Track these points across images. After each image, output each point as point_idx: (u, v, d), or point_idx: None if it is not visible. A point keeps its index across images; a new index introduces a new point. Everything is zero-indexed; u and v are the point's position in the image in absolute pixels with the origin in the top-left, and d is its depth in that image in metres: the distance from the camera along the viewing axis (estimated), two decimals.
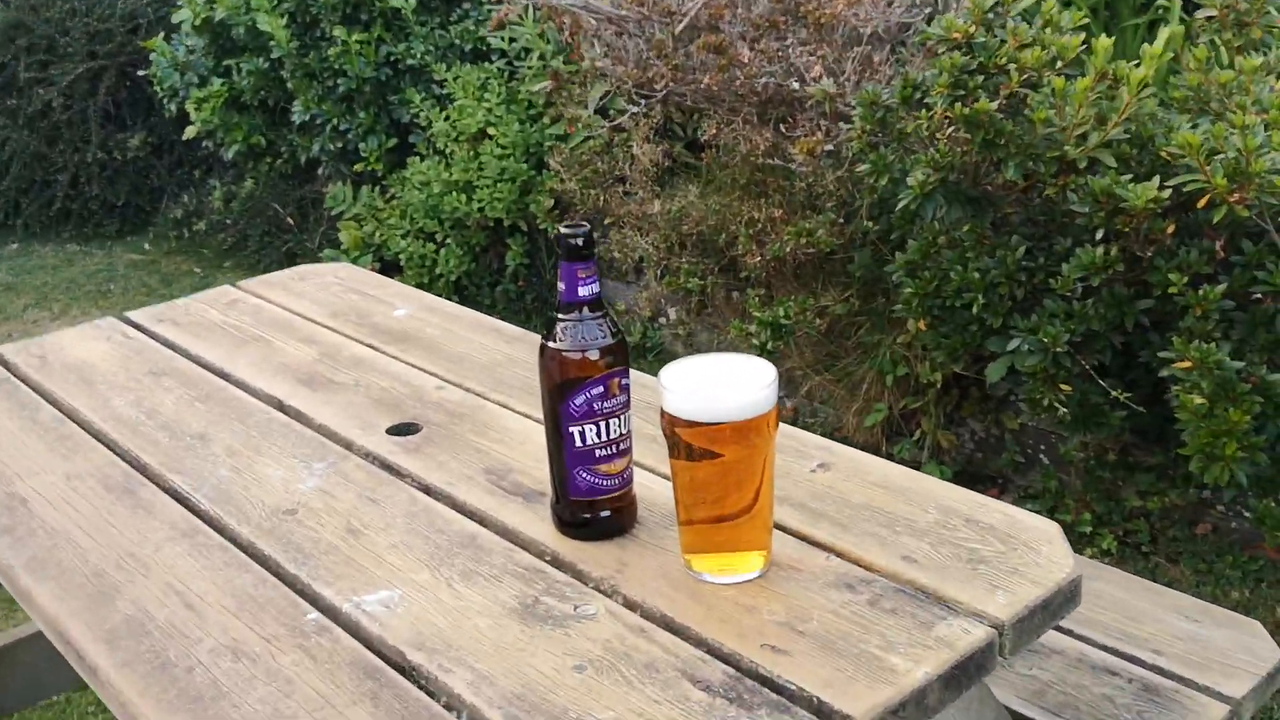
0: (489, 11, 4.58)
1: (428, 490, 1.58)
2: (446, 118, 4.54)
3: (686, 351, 4.15)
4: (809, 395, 3.71)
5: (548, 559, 1.41)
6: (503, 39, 4.52)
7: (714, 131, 3.43)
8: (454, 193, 4.50)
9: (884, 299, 3.31)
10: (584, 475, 1.40)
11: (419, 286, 4.26)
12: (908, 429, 3.42)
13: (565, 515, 1.44)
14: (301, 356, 1.99)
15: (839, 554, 1.37)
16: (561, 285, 1.35)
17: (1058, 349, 2.61)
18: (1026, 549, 1.35)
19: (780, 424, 1.46)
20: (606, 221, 4.10)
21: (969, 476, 3.32)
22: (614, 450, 1.40)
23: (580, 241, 1.33)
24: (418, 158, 4.68)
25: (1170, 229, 2.49)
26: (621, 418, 1.39)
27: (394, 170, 4.87)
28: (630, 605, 1.32)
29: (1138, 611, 1.84)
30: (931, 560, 1.34)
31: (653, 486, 1.51)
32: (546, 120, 4.44)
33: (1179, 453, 2.51)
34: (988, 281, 2.71)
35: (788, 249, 3.31)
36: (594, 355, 1.35)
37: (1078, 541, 2.96)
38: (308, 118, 4.95)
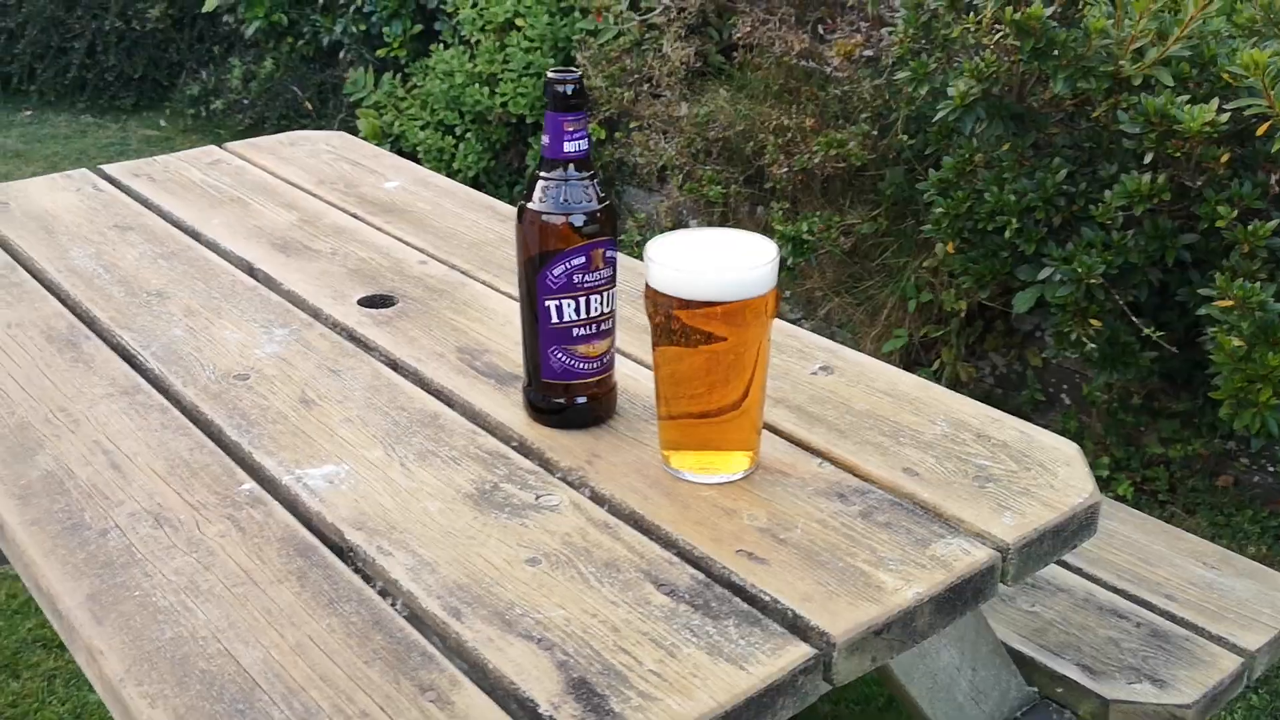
0: None
1: (394, 365, 1.45)
2: (474, 4, 4.36)
3: None
4: (827, 318, 3.56)
5: (514, 445, 1.28)
6: None
7: (748, 30, 3.25)
8: (477, 85, 4.33)
9: (913, 221, 3.15)
10: (559, 356, 1.26)
11: None
12: (926, 359, 3.28)
13: (537, 400, 1.31)
14: (279, 221, 1.86)
15: (834, 461, 1.24)
16: (546, 138, 1.21)
17: (1091, 281, 2.46)
18: (1041, 469, 1.21)
19: (783, 321, 1.33)
20: (631, 124, 3.94)
21: None
22: (594, 330, 1.26)
23: (569, 89, 1.18)
24: (442, 46, 4.51)
25: (1224, 158, 2.32)
26: (604, 294, 1.25)
27: (417, 58, 4.69)
28: (598, 499, 1.19)
29: (1152, 554, 1.71)
30: (935, 475, 1.21)
31: (636, 377, 1.38)
32: (577, 14, 4.26)
33: (1210, 396, 2.37)
34: (1024, 205, 2.56)
35: (816, 161, 3.15)
36: (578, 220, 1.21)
37: None
38: None
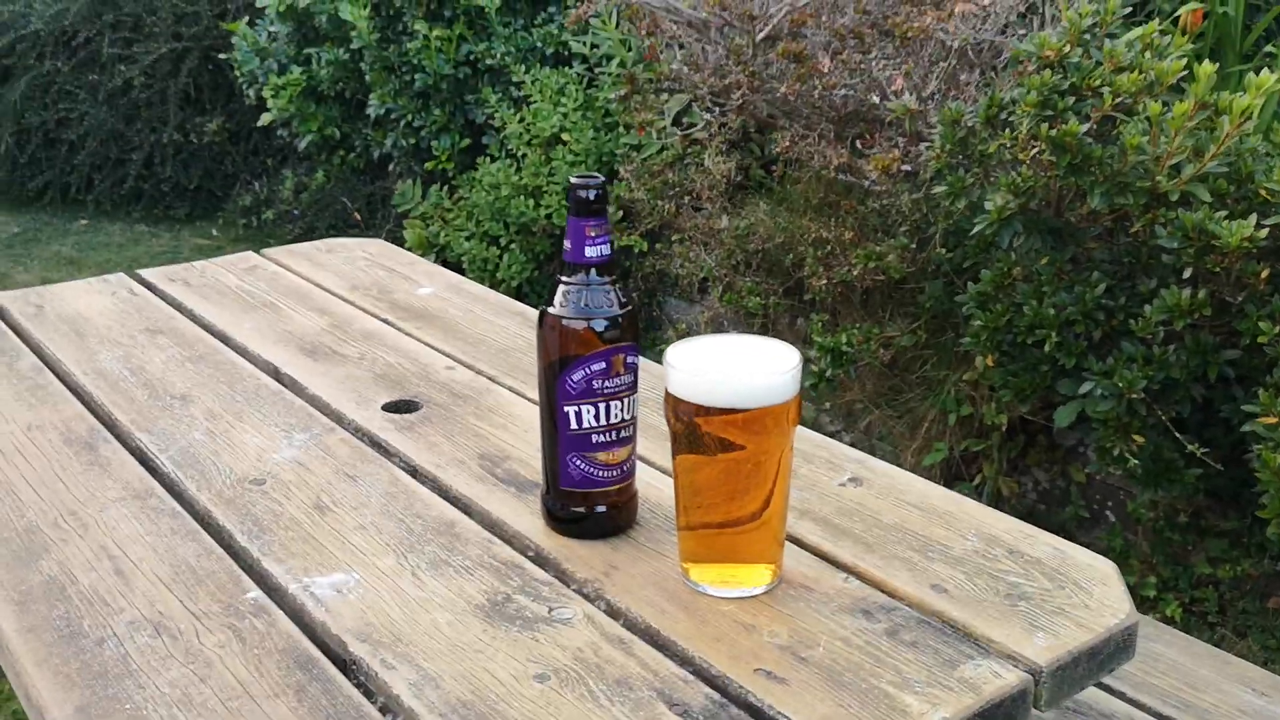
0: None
1: (414, 471, 1.42)
2: (521, 120, 4.43)
3: None
4: (867, 430, 3.52)
5: (529, 555, 1.25)
6: (584, 44, 4.40)
7: (788, 145, 3.26)
8: (522, 196, 4.38)
9: (953, 334, 3.12)
10: (578, 463, 1.24)
11: None
12: (968, 473, 3.22)
13: (555, 508, 1.28)
14: (309, 326, 1.86)
15: (860, 576, 1.20)
16: (568, 244, 1.19)
17: (1133, 396, 2.41)
18: (1076, 588, 1.16)
19: (814, 432, 1.29)
20: (673, 236, 3.95)
21: None
22: (613, 437, 1.23)
23: (591, 195, 1.17)
24: (489, 159, 4.57)
25: (1265, 273, 2.28)
26: (625, 401, 1.23)
27: (464, 171, 4.76)
28: (613, 613, 1.15)
29: (1200, 679, 1.64)
30: (965, 592, 1.16)
31: (658, 485, 1.35)
32: (621, 129, 4.31)
33: (1257, 516, 2.30)
34: (1063, 319, 2.52)
35: (855, 273, 3.14)
36: (598, 326, 1.19)
37: (1140, 607, 2.73)
38: (383, 112, 4.87)
